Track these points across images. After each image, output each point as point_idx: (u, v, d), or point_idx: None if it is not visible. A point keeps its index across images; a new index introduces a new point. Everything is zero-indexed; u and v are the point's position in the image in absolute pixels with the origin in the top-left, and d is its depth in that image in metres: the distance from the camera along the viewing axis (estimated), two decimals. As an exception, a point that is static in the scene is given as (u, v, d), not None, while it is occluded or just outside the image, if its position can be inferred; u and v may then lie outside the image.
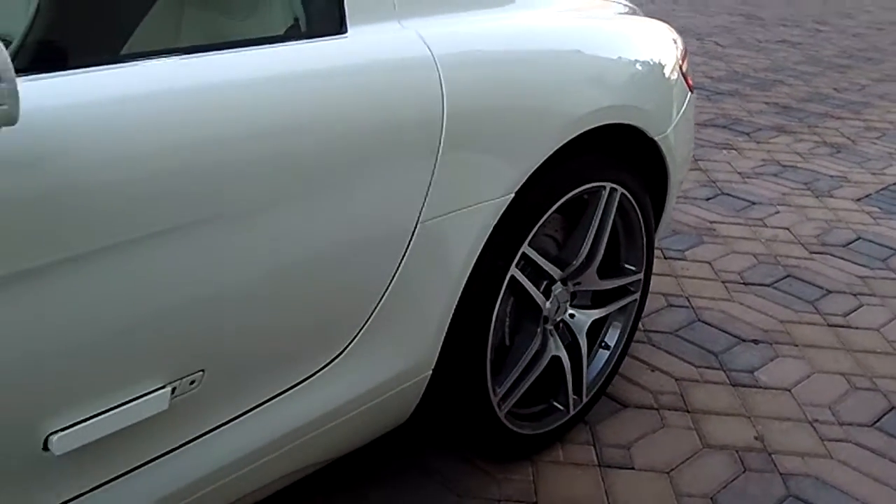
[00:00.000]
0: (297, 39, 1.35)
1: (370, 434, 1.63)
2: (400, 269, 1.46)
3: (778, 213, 3.61)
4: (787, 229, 3.43)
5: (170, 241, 1.12)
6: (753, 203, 3.69)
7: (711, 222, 3.43)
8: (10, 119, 0.85)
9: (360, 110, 1.33)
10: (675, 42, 2.07)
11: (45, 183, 0.98)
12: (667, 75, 1.95)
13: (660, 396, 2.24)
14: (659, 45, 1.97)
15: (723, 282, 2.92)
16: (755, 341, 2.55)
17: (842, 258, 3.18)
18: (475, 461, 1.93)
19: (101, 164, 1.03)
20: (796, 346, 2.55)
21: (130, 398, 1.16)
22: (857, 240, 3.36)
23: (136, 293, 1.10)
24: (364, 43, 1.39)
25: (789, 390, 2.31)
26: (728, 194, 3.77)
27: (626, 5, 2.15)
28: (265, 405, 1.37)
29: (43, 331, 1.03)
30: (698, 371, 2.37)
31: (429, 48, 1.44)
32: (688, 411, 2.19)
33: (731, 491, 1.89)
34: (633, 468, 1.96)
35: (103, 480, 1.18)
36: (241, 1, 1.41)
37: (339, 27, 1.39)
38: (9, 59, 0.84)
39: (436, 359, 1.62)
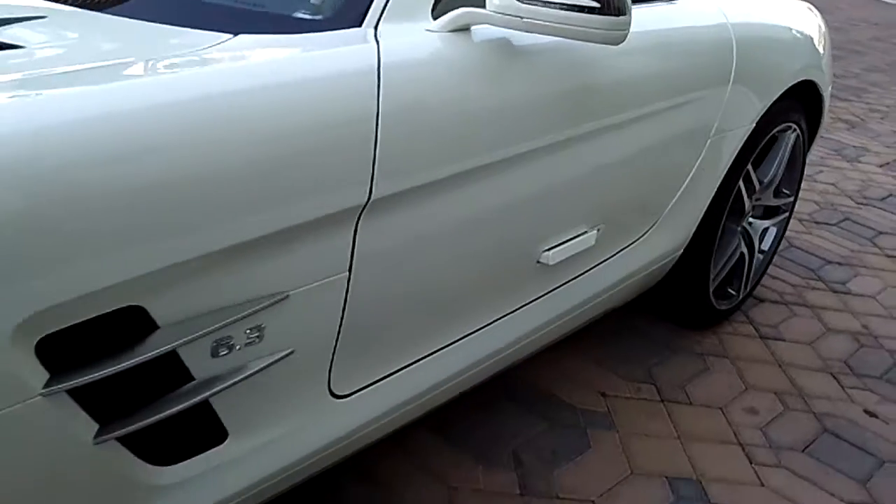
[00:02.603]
0: (645, 2, 1.94)
1: (635, 293, 2.24)
2: (693, 170, 2.08)
3: (822, 172, 4.32)
4: (834, 184, 4.15)
5: (612, 133, 1.71)
6: (802, 163, 4.39)
7: (776, 175, 4.12)
8: (622, 41, 1.43)
9: (697, 54, 1.94)
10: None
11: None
12: (827, 44, 2.59)
13: (784, 295, 2.91)
14: (821, 20, 2.61)
15: (798, 219, 3.61)
16: (839, 263, 3.24)
17: (882, 209, 3.90)
18: (673, 328, 2.56)
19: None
20: (867, 268, 3.25)
21: (579, 233, 1.76)
22: (889, 196, 4.09)
23: (598, 163, 1.71)
24: (688, 8, 1.99)
25: (874, 297, 3.01)
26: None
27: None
28: (613, 257, 1.98)
29: (563, 181, 1.63)
30: (805, 281, 3.05)
31: (724, 15, 2.06)
32: (807, 306, 2.86)
33: (857, 358, 2.57)
34: (784, 340, 2.62)
35: (560, 284, 1.78)
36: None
37: (672, -3, 1.99)
38: None
39: (687, 242, 2.24)
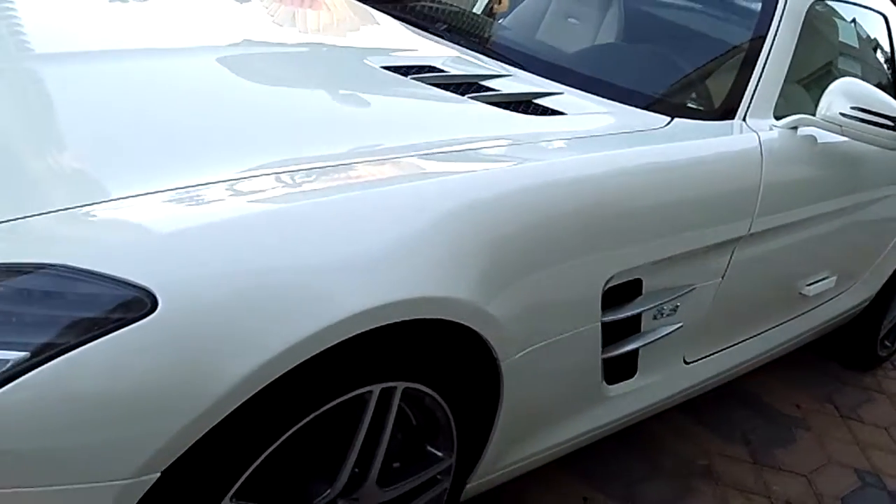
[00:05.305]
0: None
1: (833, 328, 2.88)
2: (893, 241, 2.74)
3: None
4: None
5: (854, 209, 2.39)
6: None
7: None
8: (898, 148, 2.11)
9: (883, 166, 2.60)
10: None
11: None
12: None
13: (920, 355, 3.54)
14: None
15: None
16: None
17: None
18: (838, 367, 3.20)
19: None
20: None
21: (826, 276, 2.43)
22: None
23: (844, 228, 2.38)
24: None
25: None
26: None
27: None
28: (833, 299, 2.64)
29: (826, 237, 2.30)
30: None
31: None
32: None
33: None
34: (925, 388, 3.26)
35: (806, 310, 2.45)
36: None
37: None
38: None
39: (872, 297, 2.90)
